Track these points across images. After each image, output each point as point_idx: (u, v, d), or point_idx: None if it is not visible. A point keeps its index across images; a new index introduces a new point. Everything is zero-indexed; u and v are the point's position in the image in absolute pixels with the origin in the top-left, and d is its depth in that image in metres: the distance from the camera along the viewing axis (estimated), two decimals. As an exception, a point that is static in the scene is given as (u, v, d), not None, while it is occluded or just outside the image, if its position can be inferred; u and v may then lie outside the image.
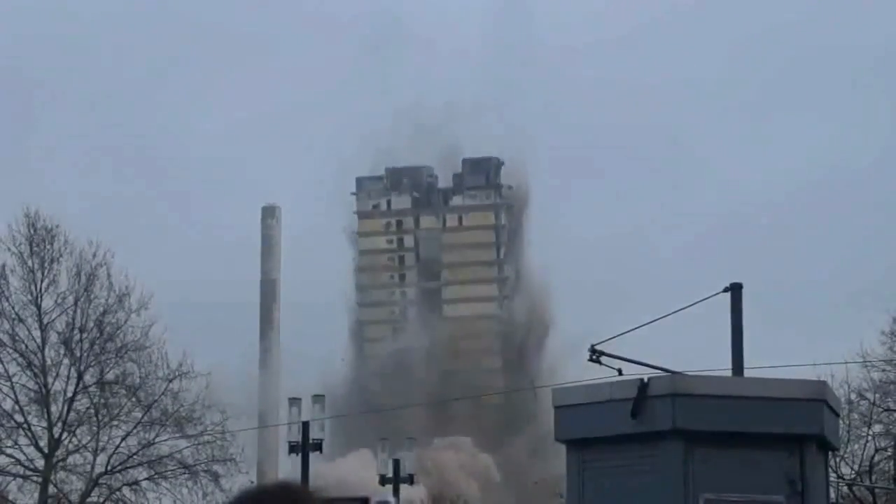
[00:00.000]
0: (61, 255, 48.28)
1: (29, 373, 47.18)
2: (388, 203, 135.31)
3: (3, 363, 47.09)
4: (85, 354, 47.57)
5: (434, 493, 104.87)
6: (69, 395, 47.08)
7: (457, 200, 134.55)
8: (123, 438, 47.53)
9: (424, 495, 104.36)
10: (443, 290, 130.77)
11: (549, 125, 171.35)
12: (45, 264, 47.96)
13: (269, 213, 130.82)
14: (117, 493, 47.54)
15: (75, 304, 47.85)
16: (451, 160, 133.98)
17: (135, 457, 47.78)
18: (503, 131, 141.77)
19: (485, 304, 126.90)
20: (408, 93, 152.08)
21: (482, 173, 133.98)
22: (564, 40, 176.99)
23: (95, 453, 47.31)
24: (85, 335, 47.72)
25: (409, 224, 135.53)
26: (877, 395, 48.40)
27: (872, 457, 48.33)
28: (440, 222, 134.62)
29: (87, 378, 47.51)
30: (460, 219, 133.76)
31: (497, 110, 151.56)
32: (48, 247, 48.20)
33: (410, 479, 45.04)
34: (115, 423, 47.59)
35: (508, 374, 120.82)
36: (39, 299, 47.62)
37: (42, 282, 47.78)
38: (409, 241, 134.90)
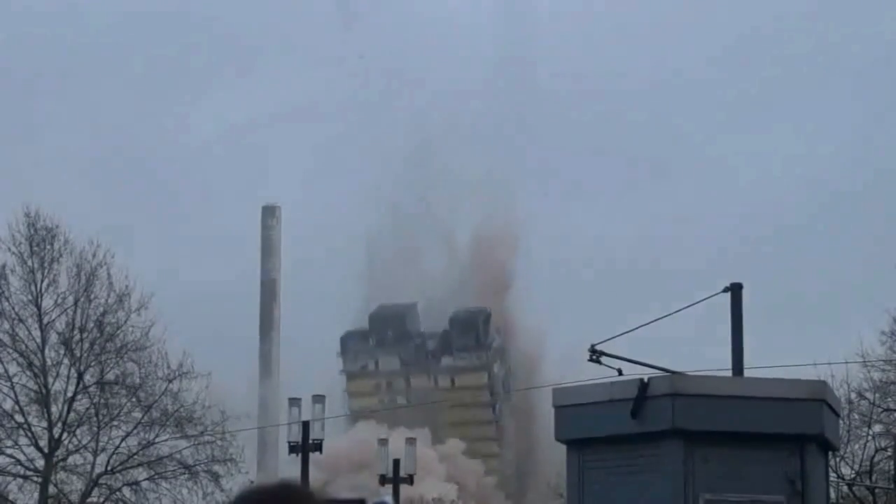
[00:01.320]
0: (61, 255, 48.27)
1: (29, 373, 47.16)
2: (377, 363, 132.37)
3: (3, 363, 47.09)
4: (85, 354, 47.54)
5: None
6: (69, 395, 47.05)
7: (447, 361, 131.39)
8: (123, 439, 47.52)
9: (444, 477, 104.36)
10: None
11: (547, 128, 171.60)
12: (45, 264, 47.93)
13: (269, 213, 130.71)
14: (117, 493, 47.52)
15: (75, 304, 47.83)
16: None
17: (135, 457, 47.76)
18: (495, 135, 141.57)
19: (487, 461, 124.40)
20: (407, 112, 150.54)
21: (471, 333, 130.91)
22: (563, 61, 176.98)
23: (95, 453, 47.30)
24: (85, 335, 47.69)
25: (399, 385, 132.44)
26: (877, 395, 48.36)
27: (872, 457, 48.30)
28: (431, 381, 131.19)
29: (88, 378, 47.49)
30: (452, 381, 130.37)
31: (490, 127, 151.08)
32: (48, 247, 48.18)
33: (410, 480, 45.02)
34: (115, 423, 47.59)
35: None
36: (39, 299, 47.59)
37: (42, 282, 47.76)
38: (401, 400, 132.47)
